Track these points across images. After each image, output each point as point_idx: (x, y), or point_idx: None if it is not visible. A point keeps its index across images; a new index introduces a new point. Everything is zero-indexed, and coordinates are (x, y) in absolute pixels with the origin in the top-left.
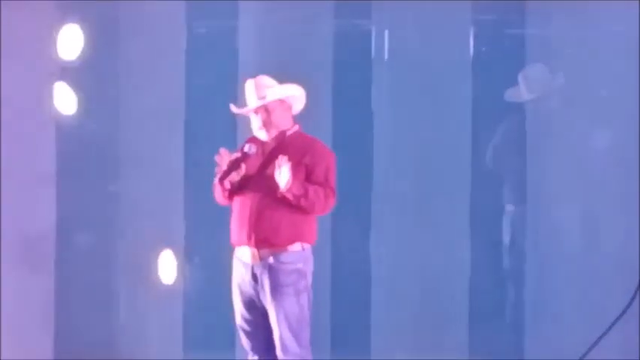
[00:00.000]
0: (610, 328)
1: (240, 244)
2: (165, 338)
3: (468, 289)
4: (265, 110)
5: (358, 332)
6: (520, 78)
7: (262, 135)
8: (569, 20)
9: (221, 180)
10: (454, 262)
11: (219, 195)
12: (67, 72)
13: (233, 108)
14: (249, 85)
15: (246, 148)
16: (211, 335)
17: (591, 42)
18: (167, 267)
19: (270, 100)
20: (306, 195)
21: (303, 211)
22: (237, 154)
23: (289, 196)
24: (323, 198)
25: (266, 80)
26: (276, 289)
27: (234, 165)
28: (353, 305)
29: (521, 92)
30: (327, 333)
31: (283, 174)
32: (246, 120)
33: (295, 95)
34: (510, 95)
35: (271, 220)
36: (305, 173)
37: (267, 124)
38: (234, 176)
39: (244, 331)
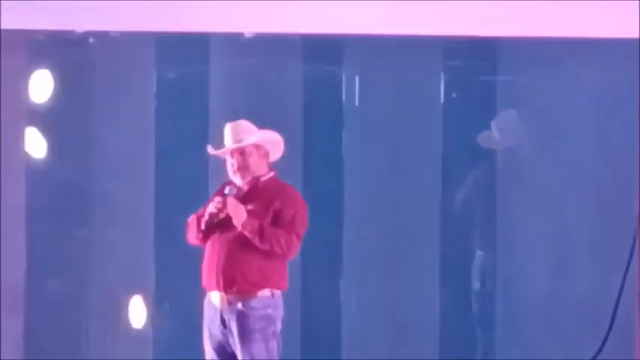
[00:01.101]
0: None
1: (210, 289)
2: None
3: (438, 336)
4: (241, 154)
5: None
6: (493, 124)
7: (237, 179)
8: (539, 66)
9: (206, 223)
10: (424, 308)
11: (192, 234)
12: (38, 116)
13: (210, 149)
14: (228, 129)
15: (226, 190)
16: None
17: (561, 88)
18: (137, 312)
19: (246, 144)
20: (261, 234)
21: (270, 255)
22: (218, 198)
23: (246, 234)
24: (283, 239)
25: (245, 125)
26: (244, 335)
27: (218, 209)
28: (323, 352)
29: (494, 138)
30: None
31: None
32: (217, 164)
33: (273, 141)
34: (483, 140)
35: (240, 265)
36: (273, 218)
37: (241, 169)
38: (212, 219)
39: None
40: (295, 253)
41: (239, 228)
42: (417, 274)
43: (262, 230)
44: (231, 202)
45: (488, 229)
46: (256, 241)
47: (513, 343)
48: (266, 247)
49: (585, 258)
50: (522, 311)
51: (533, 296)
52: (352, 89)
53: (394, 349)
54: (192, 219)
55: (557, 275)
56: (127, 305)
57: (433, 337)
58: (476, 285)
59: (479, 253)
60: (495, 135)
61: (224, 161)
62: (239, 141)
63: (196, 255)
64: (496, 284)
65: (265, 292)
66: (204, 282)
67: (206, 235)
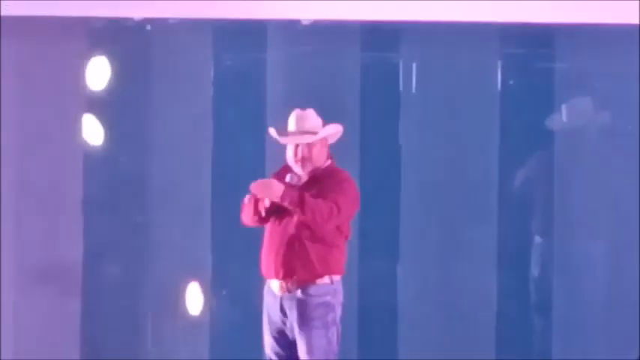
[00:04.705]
0: None
1: (269, 277)
2: None
3: (494, 323)
4: (307, 146)
5: None
6: (563, 108)
7: (297, 168)
8: (596, 53)
9: (266, 209)
10: (481, 293)
11: (247, 216)
12: (95, 103)
13: (272, 132)
14: (295, 117)
15: (287, 178)
16: None
17: (619, 74)
18: (194, 298)
19: (317, 139)
20: (302, 203)
21: (328, 242)
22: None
23: (287, 205)
24: (325, 208)
25: (313, 116)
26: (304, 323)
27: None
28: (379, 337)
29: (561, 120)
30: None
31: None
32: (274, 152)
33: (336, 133)
34: (550, 122)
35: (299, 253)
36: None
37: (304, 159)
38: (267, 202)
39: None
40: (334, 222)
41: (278, 200)
42: (474, 261)
43: (303, 200)
44: (265, 180)
45: (546, 216)
46: (298, 211)
47: (570, 332)
48: (308, 216)
49: None
50: (580, 299)
51: (591, 284)
52: (409, 76)
53: (451, 336)
54: (248, 200)
55: (615, 260)
56: (185, 292)
57: (489, 325)
58: (533, 272)
59: (536, 239)
60: (563, 117)
61: (282, 149)
62: (313, 133)
63: (253, 241)
64: (553, 271)
65: (324, 280)
66: (264, 270)
67: (263, 218)
